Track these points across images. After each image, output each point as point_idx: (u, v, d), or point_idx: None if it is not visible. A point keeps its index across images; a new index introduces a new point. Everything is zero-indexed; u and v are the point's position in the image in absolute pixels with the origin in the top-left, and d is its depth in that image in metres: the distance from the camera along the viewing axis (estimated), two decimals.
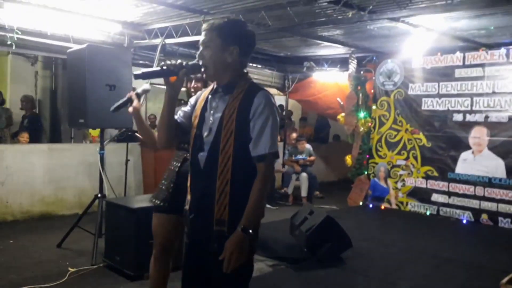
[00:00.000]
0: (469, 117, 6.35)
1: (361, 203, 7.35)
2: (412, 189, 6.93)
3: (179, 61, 1.89)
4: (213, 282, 1.88)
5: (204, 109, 1.97)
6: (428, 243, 5.26)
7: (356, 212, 7.07)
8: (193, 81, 2.76)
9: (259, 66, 8.06)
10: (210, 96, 1.97)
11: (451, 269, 4.39)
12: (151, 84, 3.03)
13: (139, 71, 1.95)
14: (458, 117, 6.45)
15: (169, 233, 2.75)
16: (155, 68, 1.93)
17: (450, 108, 6.53)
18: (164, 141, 2.02)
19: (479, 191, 6.21)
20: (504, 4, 4.06)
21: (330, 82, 8.46)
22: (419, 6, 4.51)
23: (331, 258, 4.38)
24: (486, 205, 6.15)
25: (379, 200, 7.26)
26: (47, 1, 4.91)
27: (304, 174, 7.69)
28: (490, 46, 6.18)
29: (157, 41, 5.96)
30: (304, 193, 7.64)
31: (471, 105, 6.32)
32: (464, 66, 6.39)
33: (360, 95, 7.39)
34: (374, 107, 7.36)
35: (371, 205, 7.27)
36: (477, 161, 6.27)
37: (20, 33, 5.23)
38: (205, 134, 1.91)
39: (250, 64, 2.26)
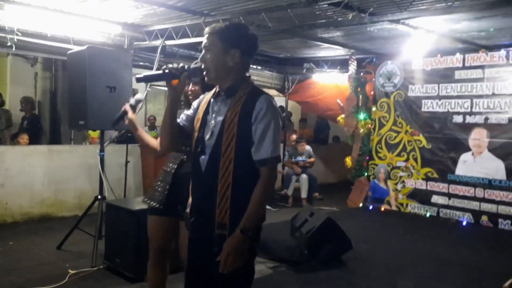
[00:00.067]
0: (469, 119, 6.36)
1: (361, 205, 7.35)
2: (412, 190, 6.93)
3: (181, 64, 1.89)
4: (215, 285, 1.88)
5: (206, 112, 1.97)
6: (428, 244, 5.26)
7: (356, 213, 7.06)
8: (191, 84, 2.77)
9: (259, 67, 8.06)
10: (212, 100, 1.98)
11: (452, 271, 4.39)
12: (150, 85, 3.07)
13: (141, 74, 1.95)
14: (458, 119, 6.46)
15: (165, 236, 2.73)
16: (157, 71, 1.93)
17: (450, 110, 6.53)
18: (167, 145, 2.02)
19: (479, 192, 6.22)
20: (504, 6, 4.07)
21: (330, 83, 8.46)
22: (420, 8, 4.51)
23: (331, 260, 4.38)
24: (486, 206, 6.15)
25: (379, 201, 7.26)
26: (47, 3, 4.91)
27: (304, 176, 7.68)
28: (490, 48, 6.18)
29: (157, 42, 5.95)
30: (304, 194, 7.63)
31: (471, 107, 6.33)
32: (464, 67, 6.40)
33: (360, 96, 7.39)
34: (374, 108, 7.37)
35: (371, 207, 7.27)
36: (477, 163, 6.28)
37: (20, 34, 5.22)
38: (207, 137, 1.91)
39: (250, 65, 2.27)
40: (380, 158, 7.31)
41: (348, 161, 7.46)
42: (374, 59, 7.44)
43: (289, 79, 8.82)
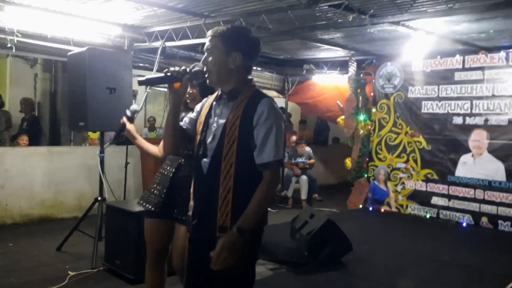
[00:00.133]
0: (468, 120, 6.37)
1: (361, 206, 7.35)
2: (412, 192, 6.93)
3: (182, 67, 1.90)
4: None
5: (208, 115, 1.97)
6: (428, 246, 5.26)
7: (356, 215, 7.06)
8: (189, 87, 2.77)
9: (259, 68, 8.06)
10: (214, 103, 1.98)
11: (452, 272, 4.39)
12: (150, 87, 3.11)
13: (143, 77, 1.95)
14: (458, 120, 6.46)
15: (163, 239, 2.72)
16: (159, 74, 1.93)
17: (450, 111, 6.54)
18: (170, 148, 2.02)
19: (479, 194, 6.22)
20: (504, 8, 4.07)
21: (329, 85, 8.47)
22: (420, 10, 4.52)
23: (331, 262, 4.38)
24: (486, 208, 6.15)
25: (379, 203, 7.26)
26: (47, 4, 4.91)
27: (304, 177, 7.69)
28: (489, 49, 6.19)
29: (158, 44, 5.95)
30: (304, 196, 7.63)
31: (471, 108, 6.34)
32: (463, 69, 6.41)
33: (360, 98, 7.39)
34: (374, 110, 7.37)
35: (371, 208, 7.27)
36: (477, 164, 6.28)
37: (20, 35, 5.23)
38: (209, 140, 1.91)
39: (252, 69, 2.27)
40: (380, 159, 7.31)
41: (348, 162, 7.46)
42: (374, 61, 7.44)
43: (289, 81, 8.83)
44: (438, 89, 6.65)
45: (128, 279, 3.79)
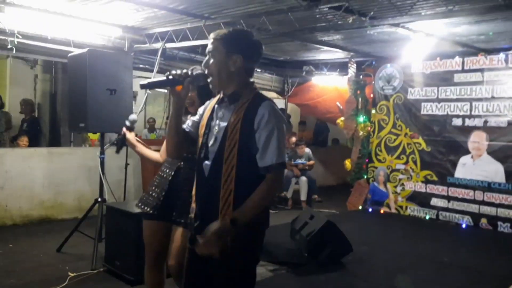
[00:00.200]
0: (468, 122, 6.37)
1: (360, 207, 7.36)
2: (411, 193, 6.94)
3: (184, 70, 1.90)
4: None
5: (210, 118, 1.98)
6: (427, 247, 5.26)
7: (356, 216, 7.07)
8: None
9: (259, 70, 8.08)
10: (216, 106, 1.99)
11: (451, 274, 4.40)
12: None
13: (144, 81, 1.97)
14: (457, 122, 6.47)
15: (161, 240, 2.73)
16: (160, 78, 1.95)
17: (449, 113, 6.55)
18: (173, 151, 2.03)
19: (479, 195, 6.23)
20: (504, 10, 4.08)
21: (329, 86, 8.48)
22: (420, 12, 4.53)
23: (331, 263, 4.38)
24: (485, 209, 6.16)
25: (379, 204, 7.26)
26: (48, 5, 4.92)
27: (303, 178, 7.69)
28: (489, 51, 6.20)
29: (158, 45, 5.96)
30: (303, 197, 7.64)
31: (470, 110, 6.35)
32: (463, 71, 6.42)
33: (360, 99, 7.40)
34: (373, 111, 7.38)
35: (370, 209, 7.28)
36: (476, 166, 6.29)
37: (20, 37, 5.24)
38: (210, 143, 1.92)
39: (254, 71, 2.29)
40: (379, 160, 7.32)
41: (348, 163, 7.47)
42: (374, 62, 7.45)
43: (289, 82, 8.85)
44: (438, 90, 6.67)
45: (128, 280, 3.79)
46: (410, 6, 4.37)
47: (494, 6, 4.01)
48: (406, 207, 6.98)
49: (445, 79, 6.60)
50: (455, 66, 6.50)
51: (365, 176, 7.42)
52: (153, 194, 2.73)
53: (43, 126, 8.07)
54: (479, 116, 6.27)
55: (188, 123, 2.08)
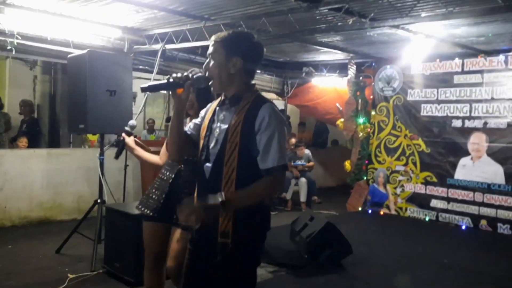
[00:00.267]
0: (468, 123, 6.38)
1: (360, 209, 7.35)
2: (411, 194, 6.94)
3: (185, 73, 1.90)
4: None
5: (211, 120, 1.98)
6: (427, 249, 5.26)
7: (355, 217, 7.07)
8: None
9: (258, 71, 8.09)
10: (218, 108, 1.98)
11: (451, 275, 4.39)
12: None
13: (145, 84, 1.97)
14: (457, 123, 6.48)
15: (161, 242, 2.73)
16: (161, 81, 1.95)
17: (449, 114, 6.55)
18: (175, 154, 2.03)
19: (478, 197, 6.23)
20: (503, 12, 4.09)
21: (329, 87, 8.49)
22: (420, 14, 4.53)
23: (331, 264, 4.38)
24: (485, 211, 6.16)
25: (378, 205, 7.26)
26: (47, 6, 4.92)
27: (303, 179, 7.69)
28: (488, 53, 6.21)
29: (158, 46, 5.96)
30: (303, 198, 7.63)
31: (470, 111, 6.35)
32: (463, 72, 6.42)
33: (359, 100, 7.40)
34: (373, 112, 7.38)
35: (370, 211, 7.27)
36: (476, 167, 6.29)
37: (20, 38, 5.23)
38: (212, 145, 1.91)
39: (255, 73, 2.29)
40: (379, 162, 7.32)
41: (348, 165, 7.47)
42: (374, 63, 7.46)
43: (288, 83, 8.85)
44: (437, 92, 6.67)
45: (127, 281, 3.78)
46: (410, 8, 4.37)
47: (493, 7, 4.02)
48: (406, 209, 6.98)
49: (444, 80, 6.60)
50: (454, 68, 6.50)
51: (365, 178, 7.42)
52: (154, 196, 2.73)
53: (42, 127, 8.05)
54: (478, 118, 6.27)
55: (189, 126, 2.08)
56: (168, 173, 2.73)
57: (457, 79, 6.47)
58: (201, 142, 1.99)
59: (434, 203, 6.67)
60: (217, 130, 1.92)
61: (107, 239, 4.16)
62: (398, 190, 7.07)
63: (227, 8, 4.82)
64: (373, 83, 7.39)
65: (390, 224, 6.62)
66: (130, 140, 2.74)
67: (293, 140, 8.46)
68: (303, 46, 6.62)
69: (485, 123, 6.21)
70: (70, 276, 3.97)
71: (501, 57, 6.08)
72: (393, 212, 7.10)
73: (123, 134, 2.74)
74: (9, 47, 5.26)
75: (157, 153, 2.90)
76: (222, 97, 1.99)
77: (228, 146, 1.84)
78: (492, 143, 6.16)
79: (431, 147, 6.74)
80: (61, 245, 4.66)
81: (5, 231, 5.51)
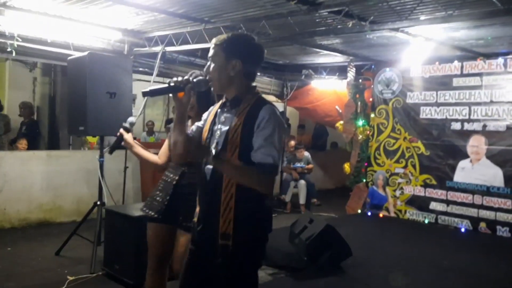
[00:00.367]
0: (467, 126, 6.39)
1: (359, 211, 7.36)
2: (410, 197, 6.94)
3: (185, 77, 1.91)
4: None
5: (213, 122, 1.99)
6: (427, 251, 5.26)
7: (355, 220, 7.07)
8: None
9: (258, 73, 8.08)
10: (219, 110, 1.99)
11: (451, 278, 4.40)
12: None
13: (146, 88, 1.99)
14: (456, 126, 6.49)
15: (164, 243, 2.73)
16: (162, 85, 1.96)
17: (448, 117, 6.56)
18: (178, 157, 2.04)
19: (477, 199, 6.23)
20: (502, 15, 4.10)
21: (328, 90, 8.49)
22: (419, 17, 4.54)
23: (330, 267, 4.38)
24: (484, 213, 6.16)
25: (378, 208, 7.26)
26: (47, 9, 4.92)
27: (302, 182, 7.69)
28: (488, 56, 6.22)
29: (158, 48, 5.96)
30: (302, 200, 7.64)
31: (469, 114, 6.36)
32: (462, 75, 6.44)
33: (359, 103, 7.42)
34: (372, 115, 7.40)
35: (369, 213, 7.28)
36: (475, 170, 6.30)
37: (20, 40, 5.24)
38: (212, 147, 1.92)
39: (255, 76, 2.28)
40: (378, 164, 7.33)
41: (347, 167, 7.47)
42: (373, 66, 7.47)
43: (288, 85, 8.86)
44: (437, 94, 6.68)
45: (127, 283, 3.79)
46: (410, 11, 4.38)
47: (493, 11, 4.02)
48: (405, 211, 6.98)
49: (444, 83, 6.61)
50: (454, 70, 6.52)
51: (364, 180, 7.43)
52: (158, 198, 2.74)
53: (42, 129, 8.05)
54: (478, 120, 6.28)
55: (192, 129, 2.10)
56: (172, 175, 2.73)
57: (456, 82, 6.49)
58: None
59: (433, 205, 6.68)
60: (218, 132, 1.93)
61: (106, 241, 4.17)
62: (398, 193, 7.08)
63: (227, 10, 4.83)
64: (372, 86, 7.41)
65: (389, 227, 6.62)
66: (129, 137, 2.67)
67: (293, 143, 8.48)
68: (302, 48, 6.63)
69: (484, 126, 6.22)
70: (70, 278, 3.97)
71: (500, 60, 6.10)
72: (392, 214, 7.11)
73: (121, 130, 2.67)
74: (9, 49, 5.26)
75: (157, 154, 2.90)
76: (223, 100, 2.00)
77: (228, 148, 1.85)
78: (491, 145, 6.17)
79: (430, 150, 6.75)
80: (61, 247, 4.66)
81: (5, 233, 5.51)
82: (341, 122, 7.56)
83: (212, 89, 1.97)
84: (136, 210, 4.00)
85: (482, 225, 6.17)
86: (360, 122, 7.35)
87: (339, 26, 4.76)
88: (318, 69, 8.13)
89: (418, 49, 5.90)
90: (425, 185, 6.77)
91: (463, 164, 6.42)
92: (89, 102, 4.27)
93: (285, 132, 1.91)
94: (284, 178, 7.98)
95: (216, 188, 1.85)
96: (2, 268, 4.27)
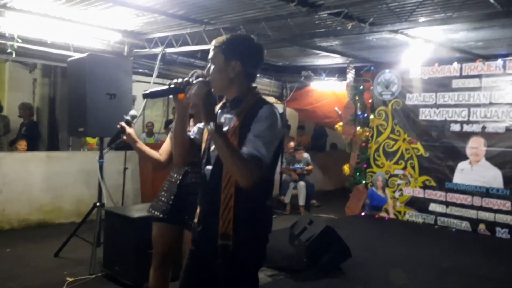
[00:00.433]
0: (466, 128, 6.40)
1: (358, 213, 7.36)
2: (409, 198, 6.95)
3: (185, 78, 1.92)
4: None
5: None
6: (426, 253, 5.27)
7: (354, 221, 7.07)
8: None
9: (258, 75, 8.09)
10: (219, 111, 2.00)
11: (450, 279, 4.40)
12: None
13: (147, 90, 1.99)
14: (456, 127, 6.50)
15: (169, 242, 2.75)
16: (162, 87, 1.96)
17: (448, 118, 6.57)
18: (179, 158, 2.03)
19: (477, 201, 6.24)
20: (502, 17, 4.11)
21: (328, 91, 8.51)
22: (419, 18, 4.56)
23: (330, 268, 4.38)
24: (483, 215, 6.17)
25: (377, 209, 7.27)
26: (47, 10, 4.93)
27: (302, 183, 7.69)
28: (487, 57, 6.24)
29: (157, 50, 5.97)
30: (302, 202, 7.63)
31: (468, 116, 6.37)
32: (461, 76, 6.45)
33: (358, 104, 7.43)
34: (372, 116, 7.40)
35: (368, 215, 7.28)
36: (474, 171, 6.31)
37: (20, 41, 5.24)
38: (212, 148, 1.92)
39: (255, 76, 2.25)
40: (378, 166, 7.33)
41: (346, 168, 7.48)
42: (372, 68, 7.48)
43: (288, 87, 8.87)
44: (436, 96, 6.69)
45: (126, 285, 3.78)
46: (409, 13, 4.39)
47: (492, 13, 4.04)
48: (405, 213, 6.99)
49: (443, 84, 6.63)
50: (453, 72, 6.53)
51: (364, 181, 7.43)
52: (163, 199, 2.77)
53: (41, 130, 8.05)
54: (477, 122, 6.29)
55: (194, 130, 2.10)
56: (175, 175, 2.76)
57: (455, 83, 6.50)
58: (203, 145, 2.00)
59: (432, 207, 6.69)
60: None
61: (106, 243, 4.16)
62: (397, 194, 7.08)
63: (227, 12, 4.84)
64: (372, 87, 7.42)
65: (388, 228, 6.63)
66: (131, 131, 2.52)
67: (292, 144, 8.47)
68: (302, 50, 6.64)
69: (484, 128, 6.23)
70: (69, 279, 3.97)
71: (499, 61, 6.11)
72: (391, 216, 7.11)
73: (122, 123, 2.51)
74: (9, 50, 5.27)
75: None
76: (224, 100, 2.00)
77: None
78: (490, 147, 6.18)
79: (429, 151, 6.76)
80: (60, 248, 4.65)
81: (4, 234, 5.50)
82: (341, 123, 7.57)
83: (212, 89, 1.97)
84: (136, 211, 4.00)
85: (482, 226, 6.18)
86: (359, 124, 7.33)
87: (338, 28, 4.77)
88: (317, 71, 8.15)
89: (417, 50, 5.91)
90: (425, 187, 6.78)
91: (462, 165, 6.43)
92: (89, 103, 4.27)
93: (281, 132, 1.88)
94: (283, 179, 7.98)
95: (215, 188, 1.85)
96: (1, 269, 4.26)
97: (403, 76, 7.05)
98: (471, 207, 6.29)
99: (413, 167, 6.93)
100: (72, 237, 4.60)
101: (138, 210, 4.06)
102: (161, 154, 2.80)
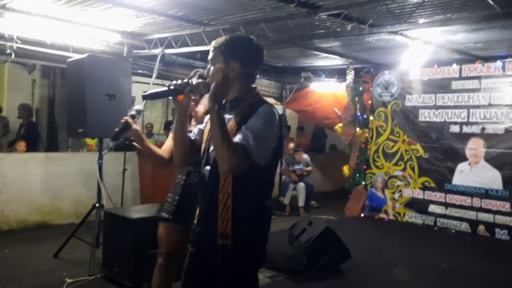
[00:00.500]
0: (465, 129, 6.40)
1: (358, 214, 7.35)
2: (409, 200, 6.95)
3: (185, 80, 1.92)
4: None
5: None
6: (425, 254, 5.27)
7: (354, 222, 7.07)
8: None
9: (257, 76, 8.10)
10: None
11: (451, 280, 4.40)
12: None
13: (146, 92, 1.98)
14: (455, 129, 6.50)
15: (174, 242, 2.76)
16: (162, 88, 1.96)
17: (447, 120, 6.58)
18: (179, 159, 2.04)
19: (476, 202, 6.24)
20: (501, 18, 4.11)
21: (327, 92, 8.51)
22: (418, 20, 4.56)
23: (330, 269, 4.38)
24: (483, 216, 6.17)
25: (377, 210, 7.27)
26: (47, 11, 4.93)
27: (301, 184, 7.69)
28: (486, 59, 6.25)
29: (157, 51, 5.97)
30: (301, 203, 7.63)
31: (468, 117, 6.38)
32: (460, 78, 6.45)
33: (358, 105, 7.43)
34: (371, 117, 7.41)
35: (368, 216, 7.28)
36: (474, 173, 6.31)
37: (19, 42, 5.24)
38: (211, 148, 1.92)
39: (255, 77, 2.23)
40: (377, 167, 7.34)
41: (346, 169, 7.48)
42: (372, 69, 7.49)
43: (287, 88, 8.87)
44: (435, 97, 6.70)
45: (126, 286, 3.77)
46: (409, 14, 4.40)
47: (491, 14, 4.04)
48: (404, 214, 6.99)
49: (442, 86, 6.63)
50: (452, 73, 6.54)
51: (363, 183, 7.43)
52: (169, 200, 2.80)
53: (41, 131, 8.04)
54: (476, 123, 6.30)
55: (194, 131, 2.10)
56: (180, 175, 2.79)
57: (455, 85, 6.51)
58: (203, 145, 2.00)
59: (432, 208, 6.69)
60: None
61: (105, 244, 4.15)
62: (396, 195, 7.08)
63: (226, 13, 4.84)
64: (371, 89, 7.42)
65: (388, 229, 6.63)
66: (137, 127, 2.38)
67: (292, 145, 8.47)
68: (301, 51, 6.65)
69: (483, 129, 6.23)
70: (68, 280, 3.96)
71: (499, 63, 6.12)
72: (391, 217, 7.11)
73: (127, 118, 2.35)
74: (8, 51, 5.27)
75: None
76: (224, 101, 2.00)
77: None
78: (489, 148, 6.18)
79: (429, 153, 6.76)
80: (59, 249, 4.64)
81: (3, 235, 5.49)
82: (340, 124, 7.57)
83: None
84: (135, 212, 4.00)
85: (481, 227, 6.18)
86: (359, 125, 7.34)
87: (338, 29, 4.77)
88: (317, 72, 8.15)
89: (417, 52, 5.92)
90: (424, 188, 6.78)
91: (461, 166, 6.43)
92: (88, 104, 4.27)
93: (277, 133, 1.86)
94: (283, 181, 7.98)
95: (214, 189, 1.85)
96: (0, 270, 4.25)
97: (403, 78, 7.06)
98: (471, 208, 6.29)
99: (412, 168, 6.93)
100: (71, 238, 4.60)
101: (137, 211, 4.06)
102: (164, 151, 2.81)
